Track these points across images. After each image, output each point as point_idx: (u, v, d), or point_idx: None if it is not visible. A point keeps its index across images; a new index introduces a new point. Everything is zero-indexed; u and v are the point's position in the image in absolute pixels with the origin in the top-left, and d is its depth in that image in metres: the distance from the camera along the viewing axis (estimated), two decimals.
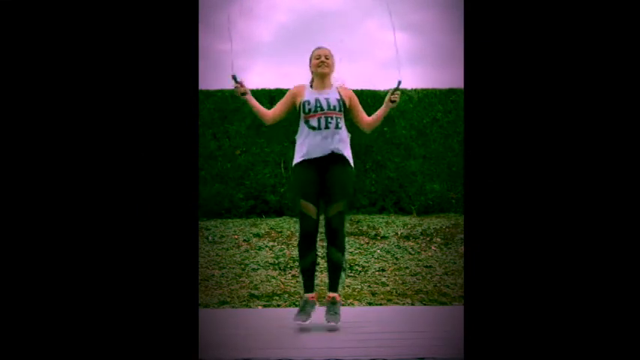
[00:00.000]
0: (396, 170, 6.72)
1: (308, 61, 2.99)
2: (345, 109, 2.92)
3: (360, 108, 3.02)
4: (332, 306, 2.89)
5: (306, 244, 2.89)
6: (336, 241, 2.89)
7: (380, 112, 2.96)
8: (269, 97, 6.68)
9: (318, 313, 2.93)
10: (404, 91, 6.91)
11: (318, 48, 2.98)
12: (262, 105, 3.04)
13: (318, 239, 2.92)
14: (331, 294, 2.93)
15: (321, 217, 2.91)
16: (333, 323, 2.80)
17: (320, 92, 2.91)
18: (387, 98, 2.90)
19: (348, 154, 2.90)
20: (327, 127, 2.83)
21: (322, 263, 4.42)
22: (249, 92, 2.91)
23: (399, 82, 2.86)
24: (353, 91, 3.06)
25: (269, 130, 6.53)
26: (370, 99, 6.76)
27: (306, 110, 2.86)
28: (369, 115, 3.04)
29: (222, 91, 6.76)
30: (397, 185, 6.74)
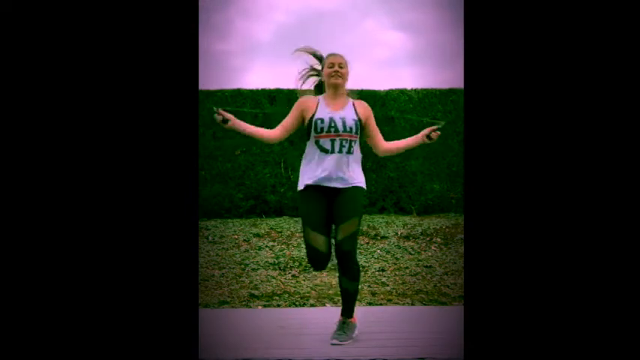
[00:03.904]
0: (396, 170, 6.73)
1: (320, 66, 2.74)
2: (361, 129, 2.63)
3: (376, 129, 2.71)
4: (342, 326, 2.66)
5: (318, 270, 2.67)
6: (349, 270, 2.60)
7: (406, 143, 2.69)
8: (269, 97, 6.68)
9: (319, 312, 2.93)
10: (404, 91, 6.92)
11: (332, 55, 2.66)
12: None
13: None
14: (343, 317, 2.70)
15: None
16: (335, 342, 2.56)
17: (335, 110, 2.60)
18: (424, 132, 2.60)
19: (359, 179, 2.65)
20: (340, 151, 2.55)
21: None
22: (233, 117, 2.54)
23: (444, 124, 2.57)
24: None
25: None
26: (370, 99, 6.78)
27: (318, 129, 2.55)
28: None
29: (222, 91, 6.77)
30: (397, 185, 6.75)
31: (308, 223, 2.59)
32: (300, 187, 2.64)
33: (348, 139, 2.57)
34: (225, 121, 2.52)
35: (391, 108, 6.77)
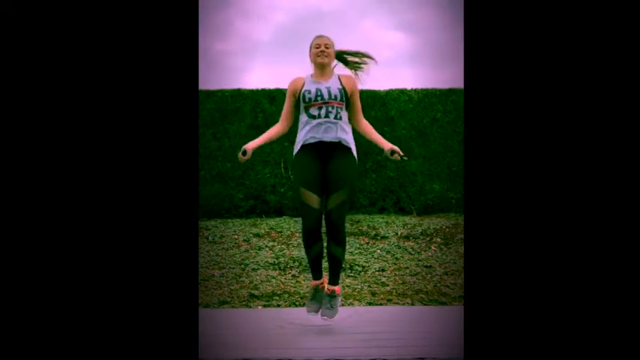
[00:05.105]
0: (396, 170, 6.72)
1: (308, 50, 2.90)
2: (347, 100, 2.82)
3: (358, 104, 2.90)
4: (331, 299, 2.85)
5: (310, 238, 2.80)
6: (336, 236, 2.79)
7: (377, 138, 2.90)
8: (269, 97, 6.68)
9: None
10: (404, 91, 6.92)
11: (318, 36, 2.88)
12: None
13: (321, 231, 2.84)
14: (331, 287, 2.87)
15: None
16: (326, 317, 2.78)
17: (320, 81, 2.82)
18: (393, 147, 2.83)
19: (350, 142, 2.82)
20: (327, 116, 2.75)
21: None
22: (247, 146, 2.94)
23: (403, 159, 2.87)
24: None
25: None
26: (370, 99, 6.77)
27: (307, 99, 2.77)
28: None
29: (222, 91, 6.76)
30: (397, 185, 6.74)
31: (302, 182, 2.78)
32: (295, 151, 2.85)
33: (335, 105, 2.77)
34: (244, 152, 2.91)
35: (391, 108, 6.76)
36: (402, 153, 2.83)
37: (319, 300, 2.88)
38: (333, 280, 2.88)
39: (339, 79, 2.86)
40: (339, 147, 2.79)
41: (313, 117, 2.76)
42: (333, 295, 2.86)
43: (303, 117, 2.81)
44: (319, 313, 2.86)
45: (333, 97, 2.77)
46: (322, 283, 2.90)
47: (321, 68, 2.85)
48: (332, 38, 2.89)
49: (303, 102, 2.79)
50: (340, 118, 2.78)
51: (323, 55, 2.82)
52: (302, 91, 2.81)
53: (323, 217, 2.81)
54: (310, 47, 2.88)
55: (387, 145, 2.84)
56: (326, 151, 2.79)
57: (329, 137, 2.76)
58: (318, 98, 2.77)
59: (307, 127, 2.79)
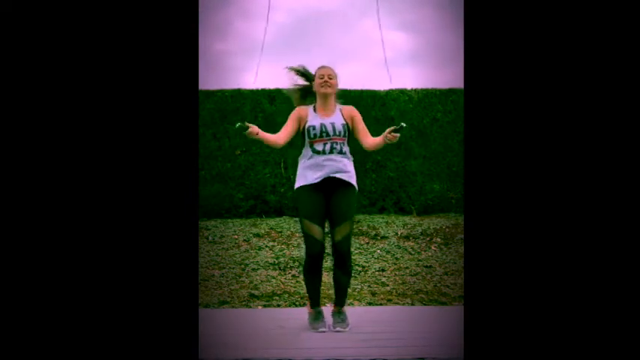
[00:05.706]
0: (396, 170, 6.72)
1: (310, 71, 3.01)
2: (349, 131, 2.92)
3: (363, 127, 2.97)
4: (339, 315, 2.93)
5: (312, 268, 2.91)
6: (343, 266, 2.90)
7: (378, 141, 2.87)
8: (268, 97, 6.68)
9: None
10: (404, 91, 6.92)
11: (322, 67, 2.97)
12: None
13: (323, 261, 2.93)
14: (337, 307, 2.96)
15: (327, 237, 2.91)
16: (340, 329, 2.83)
17: (324, 117, 2.90)
18: (385, 133, 2.78)
19: (352, 178, 2.90)
20: (331, 152, 2.84)
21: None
22: (259, 130, 2.81)
23: (402, 127, 2.72)
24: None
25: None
26: (370, 99, 6.77)
27: (312, 135, 2.86)
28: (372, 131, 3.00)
29: (222, 91, 6.76)
30: (397, 185, 6.74)
31: (305, 215, 2.87)
32: (297, 185, 2.93)
33: (339, 141, 2.86)
34: (256, 133, 2.80)
35: (391, 108, 6.76)
36: (393, 128, 2.74)
37: (322, 319, 2.92)
38: (340, 303, 2.96)
39: (341, 113, 2.93)
40: (342, 182, 2.87)
41: (318, 153, 2.85)
42: (340, 312, 2.94)
43: (308, 151, 2.89)
44: (332, 326, 2.88)
45: (337, 133, 2.86)
46: (320, 308, 2.98)
47: (325, 98, 2.92)
48: (335, 70, 2.96)
49: (308, 137, 2.87)
50: (344, 153, 2.87)
51: (327, 85, 2.90)
52: (306, 127, 2.88)
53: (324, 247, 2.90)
54: (314, 78, 2.98)
55: (380, 138, 2.81)
56: (328, 186, 2.86)
57: (331, 173, 2.83)
58: (323, 134, 2.85)
59: (311, 165, 2.86)
